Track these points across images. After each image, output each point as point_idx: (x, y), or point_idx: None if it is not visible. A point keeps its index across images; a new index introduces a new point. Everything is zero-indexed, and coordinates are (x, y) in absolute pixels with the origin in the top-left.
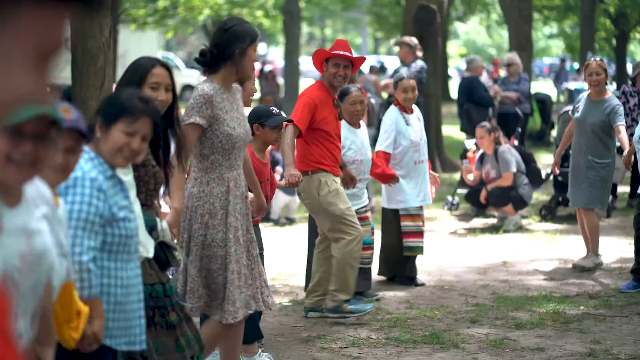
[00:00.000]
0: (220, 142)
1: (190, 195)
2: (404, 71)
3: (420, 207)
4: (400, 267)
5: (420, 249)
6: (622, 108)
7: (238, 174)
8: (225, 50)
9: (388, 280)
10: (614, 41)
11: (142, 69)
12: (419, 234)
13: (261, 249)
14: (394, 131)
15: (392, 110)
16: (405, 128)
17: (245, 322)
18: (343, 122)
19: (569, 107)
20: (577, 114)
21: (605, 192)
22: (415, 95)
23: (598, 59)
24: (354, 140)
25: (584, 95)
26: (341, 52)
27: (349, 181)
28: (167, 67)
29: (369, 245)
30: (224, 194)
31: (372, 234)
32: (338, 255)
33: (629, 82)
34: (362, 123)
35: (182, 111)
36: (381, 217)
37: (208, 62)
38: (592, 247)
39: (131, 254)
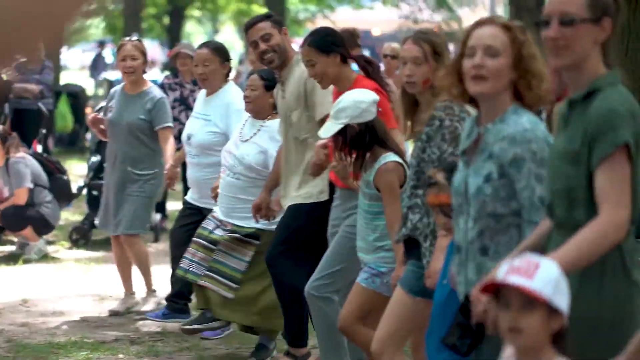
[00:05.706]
0: None
1: None
2: None
3: None
4: None
5: None
6: (167, 103)
7: None
8: None
9: None
10: (166, 20)
11: None
12: None
13: None
14: None
15: None
16: None
17: None
18: None
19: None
20: (110, 114)
21: (151, 211)
22: None
23: (135, 39)
24: None
25: (117, 89)
26: None
27: None
28: None
29: None
30: None
31: None
32: None
33: (168, 72)
34: None
35: None
36: None
37: None
38: (147, 283)
39: None
